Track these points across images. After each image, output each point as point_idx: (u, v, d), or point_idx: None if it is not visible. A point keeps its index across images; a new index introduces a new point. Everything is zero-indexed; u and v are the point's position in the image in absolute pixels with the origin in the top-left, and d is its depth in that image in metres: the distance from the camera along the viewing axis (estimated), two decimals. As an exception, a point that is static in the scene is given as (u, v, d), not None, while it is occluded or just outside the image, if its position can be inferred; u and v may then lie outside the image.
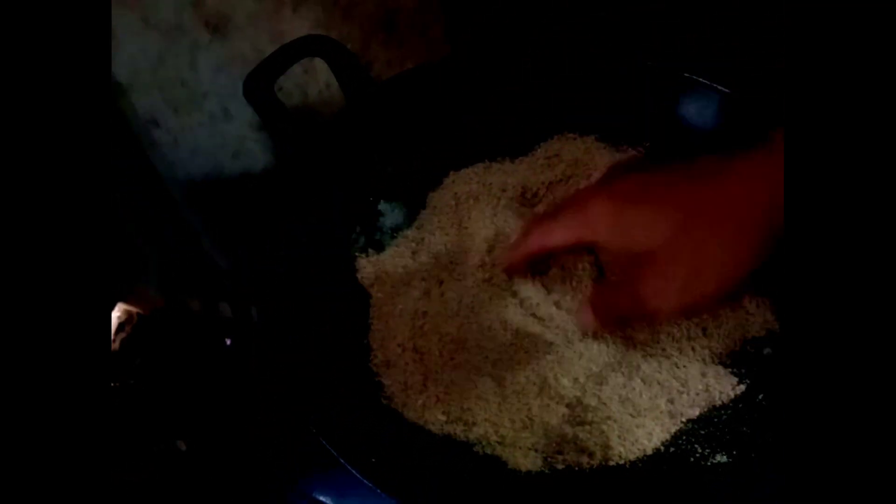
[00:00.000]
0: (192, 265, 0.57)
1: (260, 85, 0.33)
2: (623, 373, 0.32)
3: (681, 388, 0.32)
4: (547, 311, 0.34)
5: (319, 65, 0.44)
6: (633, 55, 0.40)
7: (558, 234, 0.33)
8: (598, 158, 0.40)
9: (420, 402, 0.31)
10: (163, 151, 0.57)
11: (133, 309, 0.52)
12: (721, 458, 0.29)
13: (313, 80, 0.53)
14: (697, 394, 0.31)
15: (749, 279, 0.29)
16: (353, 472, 0.25)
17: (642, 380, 0.32)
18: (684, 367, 0.32)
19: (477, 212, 0.39)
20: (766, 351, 0.32)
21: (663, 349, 0.33)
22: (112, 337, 0.51)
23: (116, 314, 0.52)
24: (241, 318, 0.52)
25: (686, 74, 0.38)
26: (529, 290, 0.35)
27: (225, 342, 0.50)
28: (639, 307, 0.30)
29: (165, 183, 0.59)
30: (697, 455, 0.29)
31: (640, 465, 0.29)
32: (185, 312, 0.53)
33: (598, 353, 0.33)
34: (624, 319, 0.33)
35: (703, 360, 0.33)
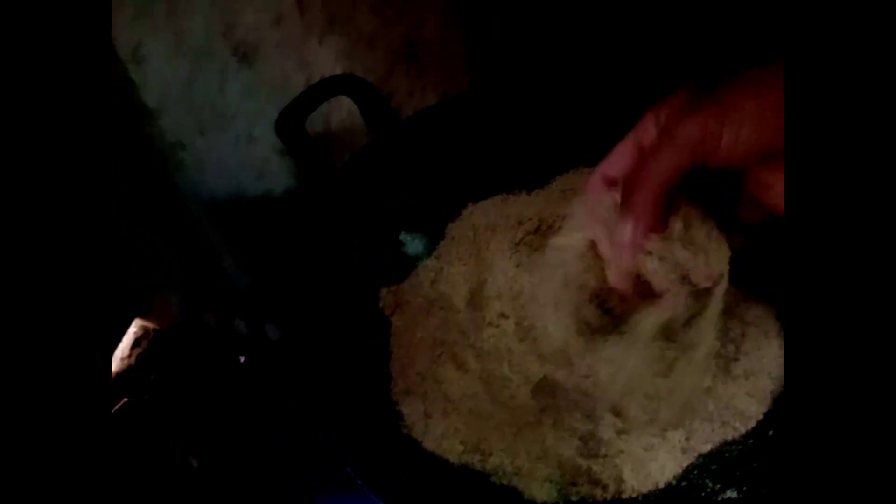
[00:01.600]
0: (211, 283, 0.58)
1: (291, 123, 0.35)
2: (641, 409, 0.33)
3: (697, 425, 0.32)
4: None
5: (342, 96, 0.46)
6: (647, 90, 0.41)
7: (666, 162, 0.26)
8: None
9: (439, 431, 0.32)
10: (188, 172, 0.58)
11: (150, 325, 0.53)
12: (731, 493, 0.29)
13: (336, 110, 0.54)
14: (713, 430, 0.32)
15: None
16: (376, 499, 0.26)
17: (660, 416, 0.33)
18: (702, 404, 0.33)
19: (495, 243, 0.40)
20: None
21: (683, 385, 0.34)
22: (128, 352, 0.53)
23: (133, 329, 0.54)
24: (256, 336, 0.53)
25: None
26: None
27: (239, 359, 0.51)
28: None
29: (188, 202, 0.61)
30: (708, 490, 0.30)
31: (652, 498, 0.30)
32: (201, 329, 0.54)
33: (612, 384, 0.34)
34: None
35: (721, 397, 0.33)
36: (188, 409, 0.47)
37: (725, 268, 0.28)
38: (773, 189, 0.26)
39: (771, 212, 0.27)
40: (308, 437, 0.35)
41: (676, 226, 0.27)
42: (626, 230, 0.27)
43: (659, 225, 0.27)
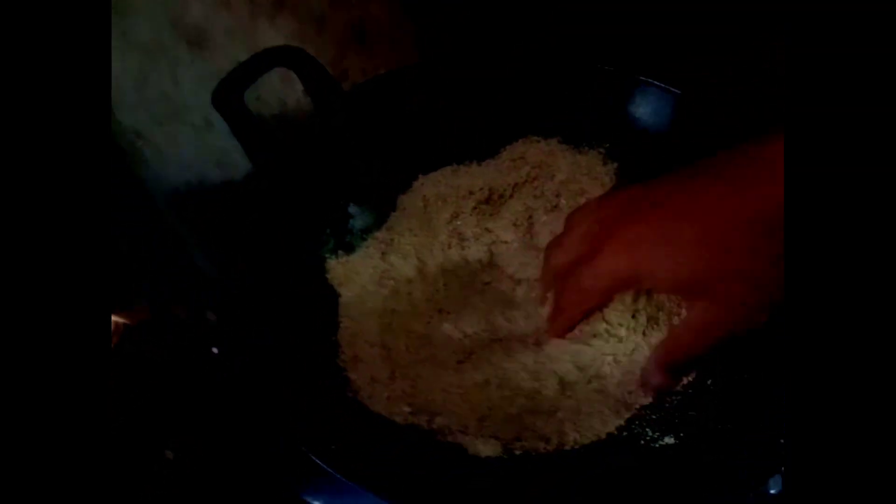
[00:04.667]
0: (179, 275, 0.58)
1: (228, 96, 0.35)
2: (582, 368, 0.34)
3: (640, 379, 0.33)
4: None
5: (295, 75, 0.46)
6: (591, 61, 0.42)
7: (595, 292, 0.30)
8: (561, 159, 0.42)
9: (386, 394, 0.33)
10: (148, 164, 0.58)
11: (120, 320, 0.53)
12: (669, 439, 0.30)
13: (290, 90, 0.54)
14: None
15: None
16: (318, 462, 0.27)
17: (600, 375, 0.34)
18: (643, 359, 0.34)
19: (445, 214, 0.40)
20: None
21: (623, 341, 0.35)
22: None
23: (103, 325, 0.53)
24: (227, 327, 0.53)
25: (640, 77, 0.40)
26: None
27: (212, 351, 0.51)
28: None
29: (151, 194, 0.61)
30: (647, 438, 0.31)
31: (593, 448, 0.31)
32: (172, 322, 0.54)
33: (559, 349, 0.35)
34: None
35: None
36: (162, 402, 0.47)
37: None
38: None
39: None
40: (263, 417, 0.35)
41: None
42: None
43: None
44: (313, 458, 0.26)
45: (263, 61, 0.36)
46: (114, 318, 0.54)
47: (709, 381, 0.33)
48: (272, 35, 0.52)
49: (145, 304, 0.55)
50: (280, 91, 0.54)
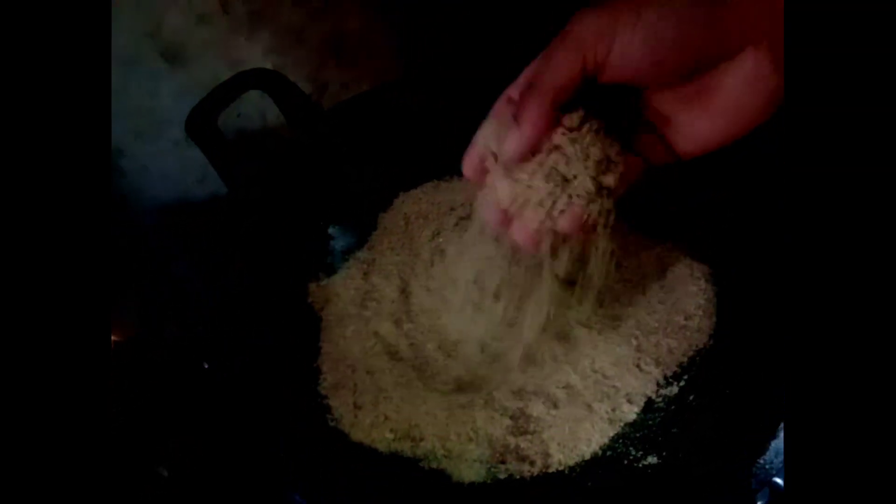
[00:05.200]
0: (166, 290, 0.58)
1: (201, 121, 0.34)
2: (567, 384, 0.34)
3: (624, 397, 0.33)
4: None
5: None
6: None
7: (558, 63, 0.25)
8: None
9: (368, 421, 0.32)
10: (129, 178, 0.58)
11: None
12: (652, 459, 0.30)
13: (271, 105, 0.54)
14: (633, 401, 0.33)
15: None
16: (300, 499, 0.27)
17: (586, 390, 0.34)
18: (627, 376, 0.34)
19: (427, 231, 0.40)
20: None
21: (607, 359, 0.35)
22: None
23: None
24: (217, 342, 0.52)
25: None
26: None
27: (203, 366, 0.51)
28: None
29: (133, 209, 0.60)
30: (631, 457, 0.31)
31: (578, 469, 0.31)
32: (162, 338, 0.54)
33: (543, 367, 0.35)
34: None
35: (642, 367, 0.34)
36: (155, 419, 0.47)
37: (613, 184, 0.27)
38: (672, 123, 0.26)
39: (675, 153, 0.26)
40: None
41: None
42: (513, 139, 0.26)
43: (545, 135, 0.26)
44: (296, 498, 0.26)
45: (237, 85, 0.35)
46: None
47: (691, 398, 0.33)
48: (250, 49, 0.52)
49: (134, 320, 0.55)
50: (261, 107, 0.54)
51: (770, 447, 0.27)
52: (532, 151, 0.26)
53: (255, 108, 0.54)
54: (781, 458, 0.27)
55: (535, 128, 0.25)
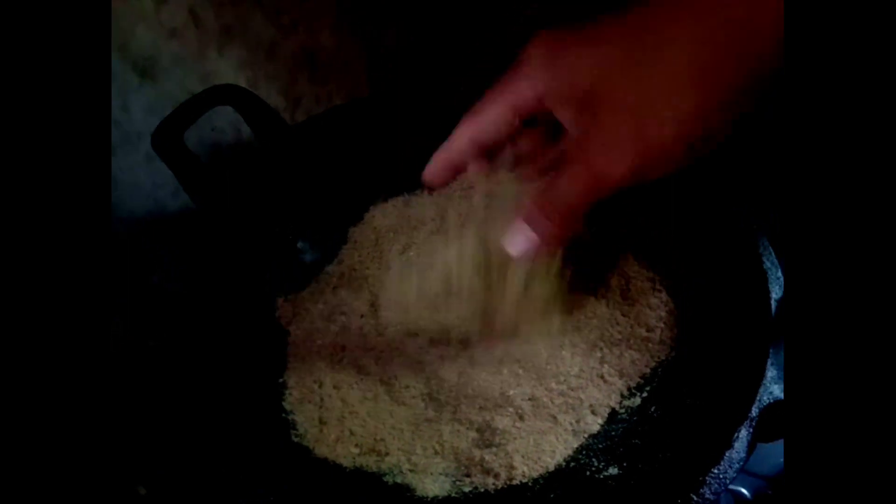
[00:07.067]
0: (148, 304, 0.57)
1: (167, 137, 0.34)
2: (532, 396, 0.34)
3: (588, 408, 0.34)
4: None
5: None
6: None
7: (493, 104, 0.29)
8: (510, 188, 0.42)
9: (333, 436, 0.33)
10: (102, 192, 0.57)
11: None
12: (613, 470, 0.31)
13: (242, 123, 0.54)
14: (597, 412, 0.33)
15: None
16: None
17: (551, 401, 0.34)
18: (591, 387, 0.34)
19: (397, 245, 0.41)
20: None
21: (571, 370, 0.35)
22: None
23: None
24: (198, 354, 0.52)
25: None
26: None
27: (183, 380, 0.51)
28: (587, 181, 0.26)
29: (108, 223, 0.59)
30: (593, 468, 0.31)
31: (541, 482, 0.31)
32: (143, 351, 0.53)
33: (511, 376, 0.35)
34: (574, 212, 0.28)
35: (606, 378, 0.35)
36: (134, 434, 0.46)
37: None
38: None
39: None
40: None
41: None
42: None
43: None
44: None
45: (204, 101, 0.36)
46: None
47: (652, 409, 0.33)
48: (221, 63, 0.52)
49: (115, 333, 0.55)
50: (235, 121, 0.54)
51: (724, 457, 0.27)
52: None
53: (229, 123, 0.54)
54: (736, 467, 0.28)
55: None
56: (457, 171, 0.33)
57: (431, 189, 0.36)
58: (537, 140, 0.32)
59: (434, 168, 0.32)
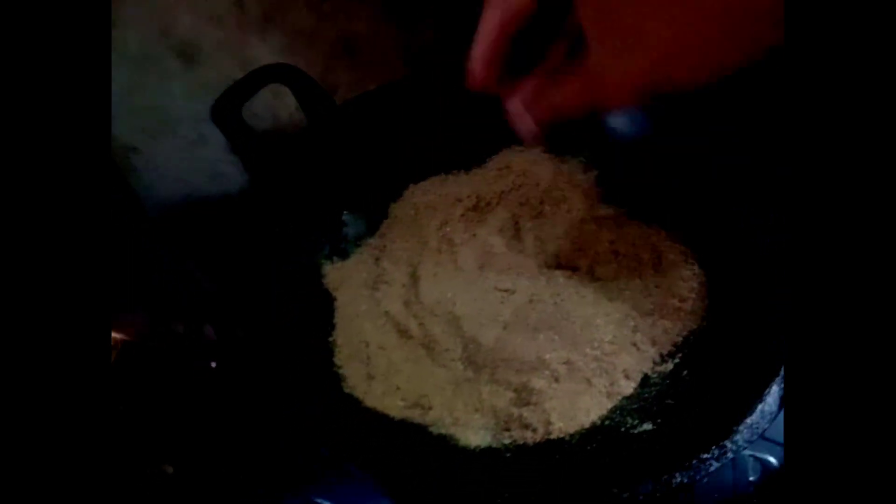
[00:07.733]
0: (176, 289, 0.59)
1: (227, 110, 0.36)
2: (567, 360, 0.36)
3: (622, 373, 0.35)
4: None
5: (288, 90, 0.48)
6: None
7: None
8: (544, 168, 0.44)
9: (381, 390, 0.34)
10: (141, 176, 0.59)
11: (118, 335, 0.54)
12: (647, 426, 0.32)
13: (283, 105, 0.56)
14: (630, 377, 0.35)
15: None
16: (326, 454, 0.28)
17: (586, 366, 0.36)
18: (624, 354, 0.36)
19: (435, 221, 0.42)
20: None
21: (605, 337, 0.37)
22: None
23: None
24: (225, 341, 0.54)
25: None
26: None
27: (210, 365, 0.52)
28: (580, 86, 0.25)
29: (145, 207, 0.62)
30: (627, 426, 0.33)
31: (577, 437, 0.33)
32: (170, 336, 0.55)
33: (546, 342, 0.37)
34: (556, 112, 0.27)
35: (639, 346, 0.36)
36: (161, 417, 0.48)
37: None
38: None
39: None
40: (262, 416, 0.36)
41: None
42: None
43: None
44: (322, 451, 0.28)
45: (259, 77, 0.38)
46: (112, 333, 0.55)
47: (685, 373, 0.35)
48: (262, 49, 0.54)
49: (143, 318, 0.56)
50: (273, 106, 0.56)
51: (756, 409, 0.29)
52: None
53: (267, 109, 0.56)
54: (769, 419, 0.29)
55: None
56: (495, 64, 0.31)
57: (480, 90, 0.33)
58: (561, 53, 0.30)
59: (475, 66, 0.31)
